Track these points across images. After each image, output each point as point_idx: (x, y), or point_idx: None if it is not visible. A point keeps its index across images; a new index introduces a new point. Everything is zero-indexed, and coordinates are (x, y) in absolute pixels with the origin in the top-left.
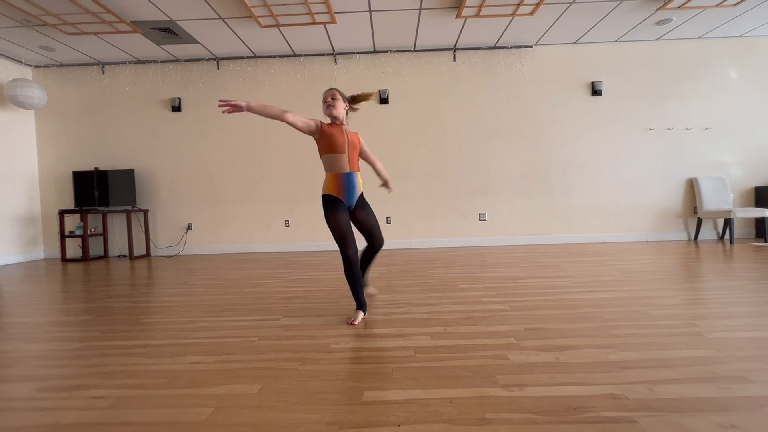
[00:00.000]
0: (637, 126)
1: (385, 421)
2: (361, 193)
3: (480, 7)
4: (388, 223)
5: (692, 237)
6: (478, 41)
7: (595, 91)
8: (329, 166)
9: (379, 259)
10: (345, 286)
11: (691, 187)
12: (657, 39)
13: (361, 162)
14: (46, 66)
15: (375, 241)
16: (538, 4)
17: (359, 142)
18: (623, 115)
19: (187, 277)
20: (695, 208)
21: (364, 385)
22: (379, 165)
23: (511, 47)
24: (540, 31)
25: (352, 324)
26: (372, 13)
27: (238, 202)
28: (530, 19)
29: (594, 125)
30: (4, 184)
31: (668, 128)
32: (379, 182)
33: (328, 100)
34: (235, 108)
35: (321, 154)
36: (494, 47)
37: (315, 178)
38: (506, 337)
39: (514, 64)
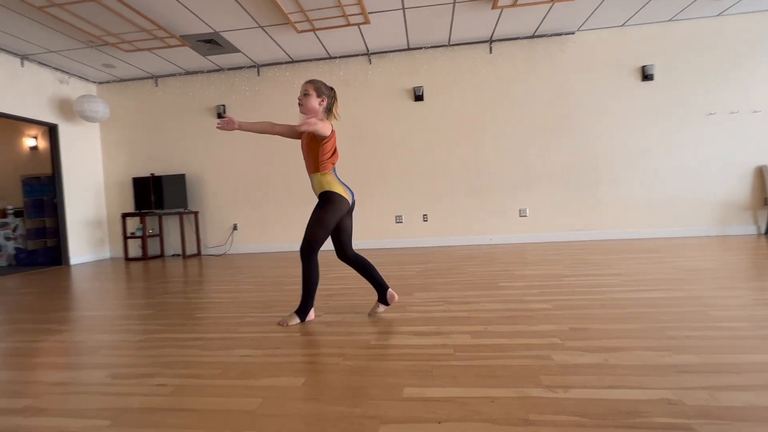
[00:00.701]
0: (695, 111)
1: (426, 417)
2: (320, 194)
3: None
4: (424, 220)
5: (762, 230)
6: (515, 31)
7: (646, 76)
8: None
9: (415, 256)
10: None
11: (761, 176)
12: (717, 15)
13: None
14: (108, 82)
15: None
16: None
17: (310, 139)
18: (679, 100)
19: (234, 275)
20: (766, 198)
21: (404, 381)
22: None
23: (551, 35)
24: (583, 16)
25: (283, 324)
26: (405, 10)
27: (279, 203)
28: (572, 3)
29: (645, 112)
30: (76, 191)
31: (732, 112)
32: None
33: (299, 97)
34: (227, 124)
35: None
36: (533, 36)
37: (351, 179)
38: (550, 337)
39: (555, 53)
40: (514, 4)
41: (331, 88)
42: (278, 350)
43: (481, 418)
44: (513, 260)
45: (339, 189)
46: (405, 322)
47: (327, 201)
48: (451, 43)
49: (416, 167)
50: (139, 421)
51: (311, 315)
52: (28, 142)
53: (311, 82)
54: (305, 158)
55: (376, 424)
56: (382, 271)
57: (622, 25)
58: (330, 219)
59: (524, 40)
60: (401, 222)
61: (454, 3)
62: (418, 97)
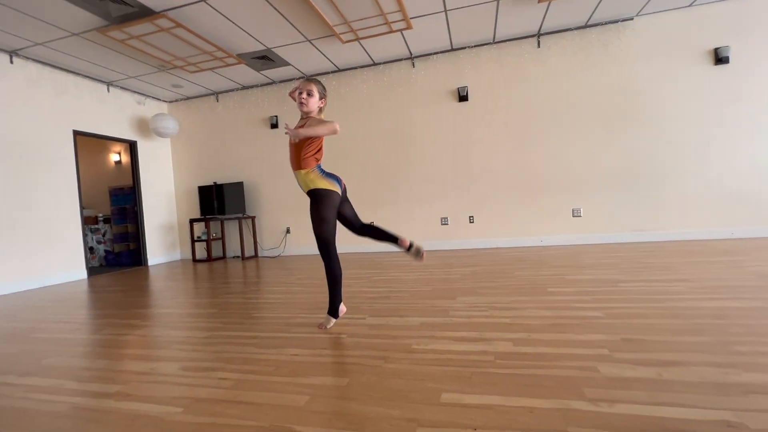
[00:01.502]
0: None
1: (462, 423)
2: (307, 192)
3: None
4: (471, 222)
5: None
6: (565, 23)
7: (720, 59)
8: None
9: (462, 259)
10: (427, 288)
11: None
12: None
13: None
14: (176, 101)
15: None
16: None
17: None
18: (758, 84)
19: (287, 276)
20: None
21: (443, 386)
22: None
23: (606, 23)
24: None
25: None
26: (447, 12)
27: None
28: None
29: (719, 99)
30: (152, 199)
31: None
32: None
33: (303, 95)
34: (294, 134)
35: None
36: (585, 26)
37: (397, 181)
38: (598, 348)
39: (611, 42)
40: None
41: (325, 88)
42: (325, 351)
43: (518, 428)
44: (565, 263)
45: (324, 184)
46: (447, 327)
47: (316, 199)
48: (495, 40)
49: (462, 168)
50: (206, 411)
51: (342, 309)
52: (114, 158)
53: (315, 82)
54: (290, 155)
55: (413, 426)
56: (428, 274)
57: (689, 5)
58: (327, 213)
59: (575, 31)
60: (447, 224)
61: (498, 0)
62: (463, 98)
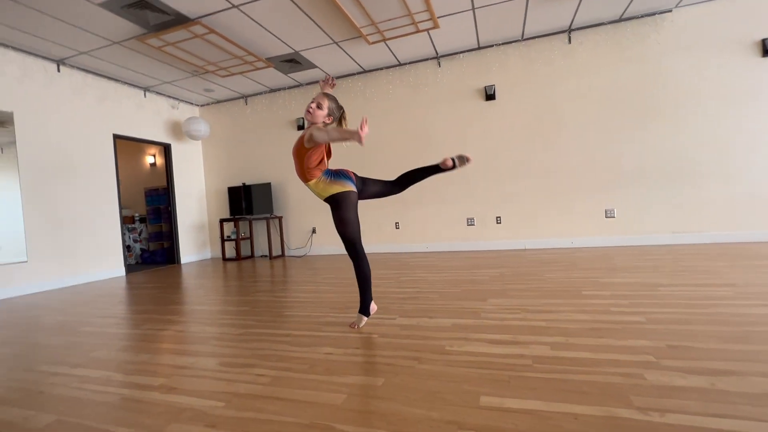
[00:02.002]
0: None
1: (505, 428)
2: (324, 200)
3: None
4: (497, 223)
5: None
6: (598, 17)
7: None
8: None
9: (489, 260)
10: (456, 289)
11: None
12: None
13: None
14: (208, 104)
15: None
16: None
17: (300, 146)
18: None
19: (314, 276)
20: None
21: (481, 389)
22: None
23: (642, 16)
24: None
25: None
26: (475, 10)
27: None
28: None
29: None
30: (184, 200)
31: None
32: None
33: (312, 105)
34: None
35: None
36: (620, 20)
37: (422, 182)
38: (642, 354)
39: (648, 35)
40: None
41: (341, 108)
42: (357, 350)
43: None
44: (598, 266)
45: (337, 188)
46: (480, 329)
47: (335, 204)
48: (524, 37)
49: (488, 168)
50: (246, 406)
51: (373, 307)
52: (149, 160)
53: (330, 98)
54: (296, 169)
55: (453, 429)
56: (455, 275)
57: None
58: (348, 214)
59: (609, 26)
60: (473, 225)
61: None
62: (490, 96)
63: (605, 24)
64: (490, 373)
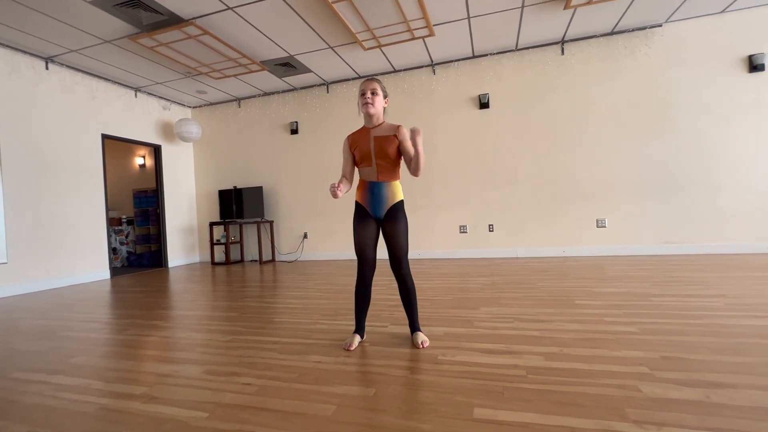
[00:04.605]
0: None
1: None
2: (395, 204)
3: None
4: (490, 231)
5: None
6: (591, 29)
7: (755, 66)
8: (360, 173)
9: (481, 268)
10: (447, 297)
11: None
12: None
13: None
14: (200, 106)
15: (391, 260)
16: None
17: (393, 143)
18: None
19: (305, 281)
20: None
21: (474, 401)
22: (415, 156)
23: (633, 30)
24: (672, 5)
25: (347, 349)
26: (471, 19)
27: (345, 213)
28: None
29: (755, 107)
30: (174, 202)
31: None
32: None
33: (367, 94)
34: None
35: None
36: (612, 33)
37: (416, 189)
38: (637, 365)
39: (638, 48)
40: (589, 2)
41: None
42: (348, 359)
43: None
44: (590, 275)
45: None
46: (472, 338)
47: (403, 211)
48: (518, 47)
49: (482, 176)
50: (231, 417)
51: (354, 342)
52: (138, 161)
53: (378, 81)
54: (378, 164)
55: None
56: (447, 283)
57: (722, 12)
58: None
59: (601, 38)
60: (465, 232)
61: (522, 7)
62: (484, 105)
63: (597, 36)
64: (484, 383)
